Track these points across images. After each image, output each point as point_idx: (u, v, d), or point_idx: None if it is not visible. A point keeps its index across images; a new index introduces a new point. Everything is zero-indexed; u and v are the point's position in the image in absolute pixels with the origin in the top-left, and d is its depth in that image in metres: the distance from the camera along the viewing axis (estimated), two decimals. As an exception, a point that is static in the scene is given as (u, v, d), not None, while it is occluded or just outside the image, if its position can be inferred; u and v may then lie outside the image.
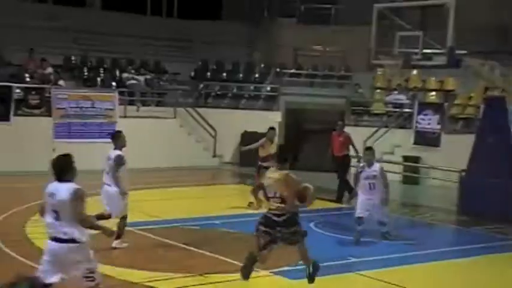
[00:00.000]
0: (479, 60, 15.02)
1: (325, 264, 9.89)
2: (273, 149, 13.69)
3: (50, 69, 20.73)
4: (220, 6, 30.79)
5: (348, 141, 15.75)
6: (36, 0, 26.09)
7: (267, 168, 11.73)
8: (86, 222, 6.66)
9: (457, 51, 13.34)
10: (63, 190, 6.67)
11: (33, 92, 19.08)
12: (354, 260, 10.27)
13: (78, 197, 6.62)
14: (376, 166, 11.65)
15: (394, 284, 9.14)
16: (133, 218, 12.65)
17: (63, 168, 6.78)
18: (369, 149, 12.39)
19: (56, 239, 6.60)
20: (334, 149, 15.92)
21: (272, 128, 14.66)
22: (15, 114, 18.34)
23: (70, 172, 6.79)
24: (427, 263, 10.45)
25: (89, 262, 6.70)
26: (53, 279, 6.55)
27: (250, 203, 13.41)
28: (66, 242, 6.53)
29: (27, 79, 20.28)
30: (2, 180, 16.45)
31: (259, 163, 14.23)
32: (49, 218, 6.72)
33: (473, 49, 19.35)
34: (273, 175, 8.22)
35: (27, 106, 18.94)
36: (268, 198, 8.21)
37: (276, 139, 14.62)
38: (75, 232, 6.54)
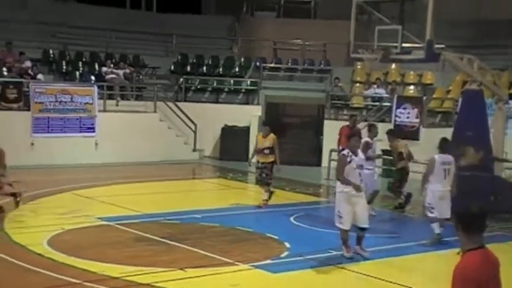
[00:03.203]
0: (457, 54, 15.11)
1: (306, 257, 9.98)
2: (267, 142, 13.82)
3: (28, 63, 20.54)
4: (199, 0, 30.69)
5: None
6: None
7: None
8: None
9: (436, 45, 13.40)
10: None
11: (11, 86, 18.89)
12: (334, 253, 10.31)
13: None
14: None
15: (373, 277, 9.22)
16: (113, 213, 12.66)
17: None
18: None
19: None
20: (341, 143, 15.68)
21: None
22: (-7, 109, 18.16)
23: None
24: (409, 255, 10.54)
25: None
26: None
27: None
28: None
29: (5, 73, 20.06)
30: (-21, 176, 16.27)
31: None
32: None
33: (452, 43, 19.49)
34: None
35: (5, 100, 18.75)
36: None
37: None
38: None
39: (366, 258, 10.00)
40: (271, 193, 14.36)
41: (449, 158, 11.46)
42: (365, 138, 12.80)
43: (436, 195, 11.27)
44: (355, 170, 9.87)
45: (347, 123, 15.98)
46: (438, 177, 11.27)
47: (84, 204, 13.55)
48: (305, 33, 25.21)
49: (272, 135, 14.03)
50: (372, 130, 13.91)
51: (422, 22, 13.12)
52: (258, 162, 14.01)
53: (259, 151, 13.91)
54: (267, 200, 14.08)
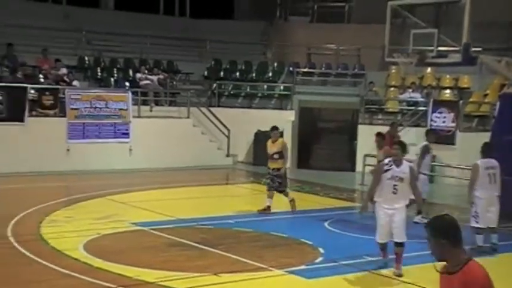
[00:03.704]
0: (494, 56, 14.85)
1: (341, 263, 9.87)
2: (275, 147, 13.65)
3: (63, 70, 20.79)
4: (232, 5, 30.77)
5: None
6: (51, 1, 26.17)
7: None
8: None
9: (472, 48, 13.20)
10: None
11: (47, 93, 19.12)
12: (369, 259, 10.17)
13: None
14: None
15: (411, 283, 9.07)
16: (147, 218, 12.71)
17: None
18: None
19: None
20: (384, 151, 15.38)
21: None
22: (30, 115, 18.39)
23: None
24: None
25: None
26: None
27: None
28: None
29: (41, 80, 20.33)
30: (17, 181, 16.53)
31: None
32: None
33: (489, 45, 19.19)
34: None
35: (41, 107, 18.99)
36: None
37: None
38: None
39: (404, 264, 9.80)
40: (292, 200, 13.96)
41: (493, 162, 11.13)
42: (424, 142, 13.19)
43: (483, 202, 11.02)
44: (389, 180, 9.33)
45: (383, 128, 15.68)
46: (483, 183, 11.01)
47: (119, 210, 13.63)
48: (339, 38, 25.08)
49: (281, 139, 13.91)
50: (430, 135, 13.81)
51: (459, 25, 12.95)
52: (268, 168, 13.76)
53: (269, 157, 13.70)
54: (268, 207, 13.66)
